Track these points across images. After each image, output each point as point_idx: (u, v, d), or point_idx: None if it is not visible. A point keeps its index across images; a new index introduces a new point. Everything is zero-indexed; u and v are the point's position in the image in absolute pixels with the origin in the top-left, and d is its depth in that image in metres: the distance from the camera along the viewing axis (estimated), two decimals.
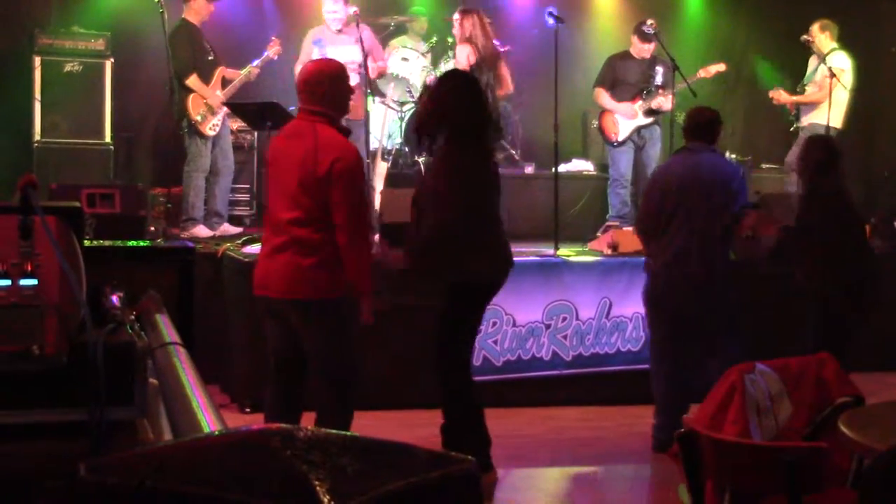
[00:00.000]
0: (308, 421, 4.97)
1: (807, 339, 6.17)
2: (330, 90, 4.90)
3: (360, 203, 4.91)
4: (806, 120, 9.57)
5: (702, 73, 9.16)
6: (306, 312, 4.88)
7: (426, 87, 9.06)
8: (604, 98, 9.28)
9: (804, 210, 6.31)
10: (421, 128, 5.40)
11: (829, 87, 9.30)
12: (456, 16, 8.84)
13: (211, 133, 8.66)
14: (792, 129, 9.64)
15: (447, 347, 5.40)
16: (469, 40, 8.59)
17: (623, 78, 9.24)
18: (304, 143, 4.82)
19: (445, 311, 5.36)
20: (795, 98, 9.62)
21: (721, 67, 9.24)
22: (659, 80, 9.09)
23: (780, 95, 9.60)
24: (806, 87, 9.66)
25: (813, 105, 9.50)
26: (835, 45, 9.52)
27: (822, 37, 9.56)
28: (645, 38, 9.05)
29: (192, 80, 8.53)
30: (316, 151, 4.75)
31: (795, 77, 9.87)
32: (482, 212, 5.32)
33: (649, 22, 9.02)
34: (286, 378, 5.08)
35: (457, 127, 5.24)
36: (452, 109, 5.25)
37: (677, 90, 8.76)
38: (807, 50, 9.74)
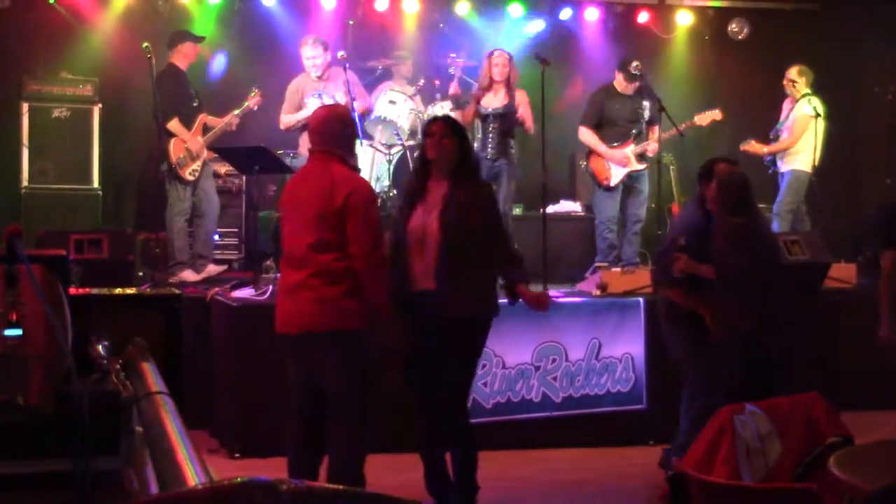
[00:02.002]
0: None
1: (723, 383, 6.00)
2: (343, 131, 5.22)
3: (376, 233, 5.06)
4: (785, 166, 9.57)
5: (696, 120, 9.09)
6: (330, 343, 4.99)
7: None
8: (591, 139, 9.09)
9: (718, 249, 6.15)
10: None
11: (800, 132, 9.36)
12: (507, 54, 8.87)
13: (190, 178, 8.65)
14: (770, 172, 9.63)
15: (466, 387, 5.48)
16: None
17: (611, 117, 9.09)
18: (319, 181, 5.06)
19: (465, 348, 5.36)
20: (768, 148, 9.60)
21: (717, 115, 9.12)
22: (646, 115, 9.03)
23: (752, 147, 9.61)
24: (780, 133, 9.68)
25: (788, 150, 9.52)
26: (808, 90, 9.57)
27: (800, 82, 9.61)
28: (631, 78, 9.02)
29: (174, 124, 8.53)
30: (332, 188, 4.99)
31: (772, 122, 9.89)
32: None
33: (634, 63, 9.01)
34: (310, 418, 5.14)
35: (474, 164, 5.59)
36: (470, 149, 5.59)
37: (664, 137, 8.80)
38: (783, 94, 9.79)
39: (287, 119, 8.92)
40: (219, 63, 10.15)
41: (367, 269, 4.97)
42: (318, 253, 4.98)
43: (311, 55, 8.94)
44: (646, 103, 9.02)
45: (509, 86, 8.71)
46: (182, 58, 8.79)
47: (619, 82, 9.09)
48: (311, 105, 8.54)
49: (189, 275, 8.56)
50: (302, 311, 5.01)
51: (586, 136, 9.14)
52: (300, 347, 5.09)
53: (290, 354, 5.21)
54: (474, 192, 5.39)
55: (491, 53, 8.88)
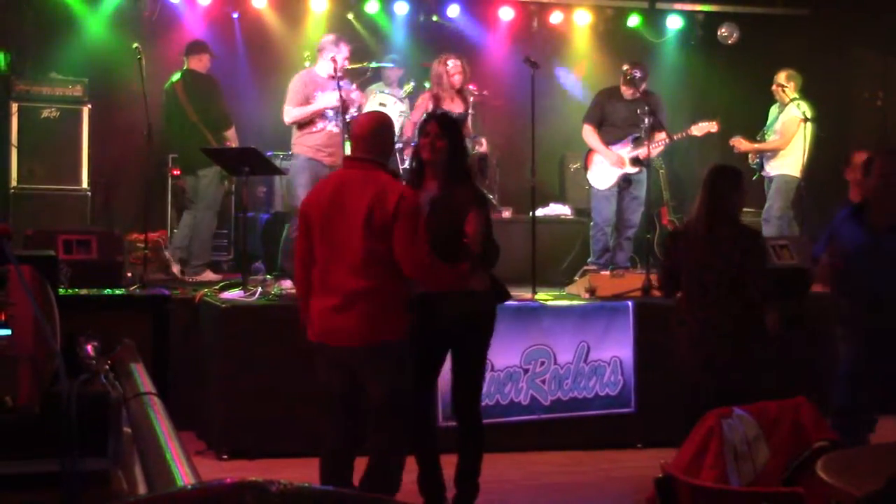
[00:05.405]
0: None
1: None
2: (389, 139, 5.29)
3: (422, 237, 4.98)
4: (772, 170, 9.58)
5: (693, 131, 9.11)
6: (379, 355, 4.99)
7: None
8: (592, 138, 9.15)
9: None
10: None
11: (790, 135, 9.39)
12: (461, 62, 8.97)
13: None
14: (755, 177, 9.63)
15: (480, 386, 5.63)
16: None
17: (611, 118, 9.15)
18: (368, 188, 4.95)
19: (482, 346, 5.52)
20: (756, 146, 9.64)
21: (713, 128, 9.11)
22: (647, 122, 8.99)
23: (741, 143, 9.63)
24: (766, 136, 9.70)
25: (776, 154, 9.54)
26: (796, 95, 9.59)
27: (788, 86, 9.64)
28: (630, 83, 9.02)
29: (231, 132, 8.82)
30: (383, 195, 4.91)
31: (761, 127, 9.91)
32: None
33: (625, 68, 9.05)
34: (349, 427, 5.16)
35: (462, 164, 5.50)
36: (460, 149, 5.52)
37: (656, 147, 8.85)
38: (773, 99, 9.81)
39: (298, 111, 8.42)
40: None
41: (420, 275, 5.01)
42: (367, 265, 4.91)
43: (347, 55, 8.67)
44: (648, 109, 8.99)
45: (462, 91, 8.75)
46: (201, 66, 9.08)
47: (623, 86, 9.11)
48: (321, 98, 8.42)
49: (210, 275, 8.82)
50: (349, 325, 4.95)
51: (588, 133, 9.22)
52: (345, 358, 5.04)
53: (329, 363, 5.11)
54: (464, 195, 5.32)
55: (444, 61, 8.85)
